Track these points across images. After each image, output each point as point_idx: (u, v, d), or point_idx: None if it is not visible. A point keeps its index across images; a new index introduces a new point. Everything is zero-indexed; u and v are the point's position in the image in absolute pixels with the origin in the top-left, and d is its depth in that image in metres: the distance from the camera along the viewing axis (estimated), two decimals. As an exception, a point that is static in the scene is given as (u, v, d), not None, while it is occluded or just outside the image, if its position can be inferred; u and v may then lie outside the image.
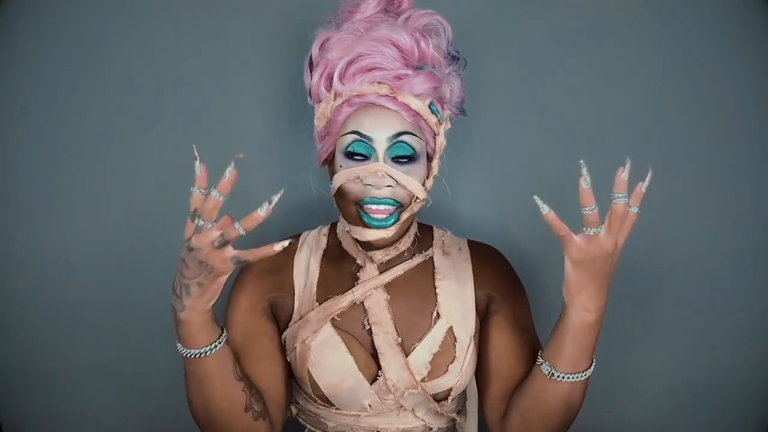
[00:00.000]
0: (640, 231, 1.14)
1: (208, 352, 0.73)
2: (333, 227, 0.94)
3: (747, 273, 1.15)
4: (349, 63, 0.80)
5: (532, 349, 0.86)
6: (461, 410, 0.92)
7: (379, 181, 0.79)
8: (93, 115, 1.15)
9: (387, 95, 0.80)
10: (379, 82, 0.80)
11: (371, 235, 0.81)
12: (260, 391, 0.84)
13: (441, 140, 0.85)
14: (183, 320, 0.71)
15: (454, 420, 0.90)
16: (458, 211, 1.16)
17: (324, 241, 0.92)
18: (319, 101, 0.84)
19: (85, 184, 1.16)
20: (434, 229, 0.94)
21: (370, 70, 0.80)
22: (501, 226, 1.16)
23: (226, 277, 0.68)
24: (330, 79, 0.83)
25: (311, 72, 0.86)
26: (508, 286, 0.90)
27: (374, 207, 0.80)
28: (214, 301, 0.71)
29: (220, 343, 0.74)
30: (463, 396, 0.92)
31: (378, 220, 0.80)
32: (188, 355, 0.73)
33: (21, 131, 1.15)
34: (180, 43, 1.14)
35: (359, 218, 0.81)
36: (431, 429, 0.88)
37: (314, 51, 0.85)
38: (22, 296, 1.18)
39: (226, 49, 1.14)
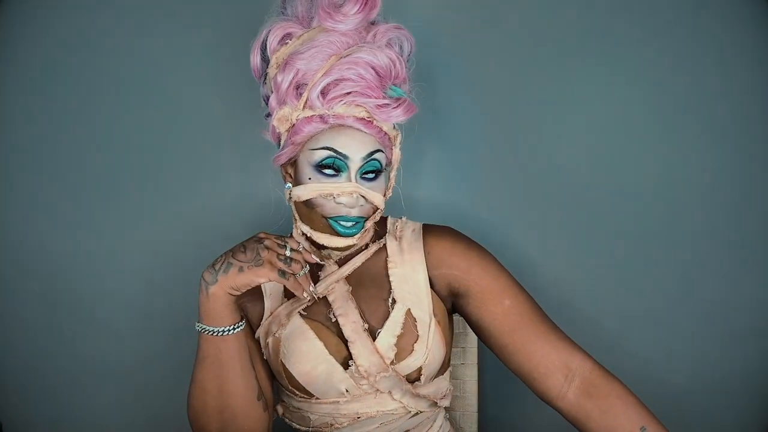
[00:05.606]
0: (640, 228, 1.16)
1: (231, 331, 0.80)
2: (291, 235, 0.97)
3: (748, 271, 1.13)
4: (330, 84, 0.82)
5: (525, 315, 0.88)
6: (445, 395, 0.93)
7: (353, 200, 0.83)
8: (92, 116, 1.16)
9: (364, 119, 0.84)
10: (357, 105, 0.83)
11: (340, 242, 0.85)
12: None
13: (397, 152, 0.89)
14: (212, 293, 0.78)
15: (435, 404, 0.91)
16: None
17: None
18: (284, 103, 0.85)
19: (85, 190, 1.17)
20: (388, 218, 0.96)
21: (349, 93, 0.83)
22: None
23: (259, 280, 0.78)
24: (299, 87, 0.84)
25: (264, 60, 0.87)
26: (470, 259, 0.90)
27: (342, 222, 0.84)
28: (238, 292, 0.79)
29: (240, 326, 0.82)
30: (445, 381, 0.93)
31: (347, 227, 0.84)
32: (210, 333, 0.80)
33: (20, 133, 1.16)
34: (180, 44, 1.15)
35: (328, 227, 0.85)
36: (411, 412, 0.89)
37: (271, 41, 0.85)
38: (23, 297, 1.19)
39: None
